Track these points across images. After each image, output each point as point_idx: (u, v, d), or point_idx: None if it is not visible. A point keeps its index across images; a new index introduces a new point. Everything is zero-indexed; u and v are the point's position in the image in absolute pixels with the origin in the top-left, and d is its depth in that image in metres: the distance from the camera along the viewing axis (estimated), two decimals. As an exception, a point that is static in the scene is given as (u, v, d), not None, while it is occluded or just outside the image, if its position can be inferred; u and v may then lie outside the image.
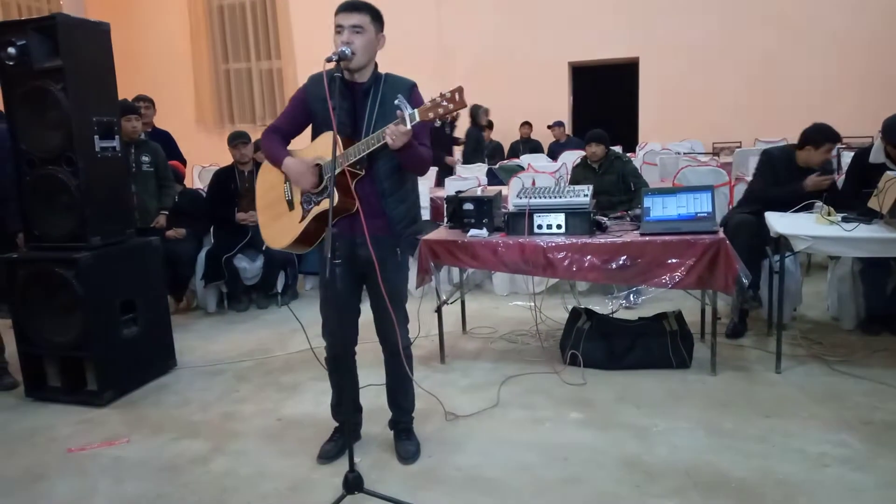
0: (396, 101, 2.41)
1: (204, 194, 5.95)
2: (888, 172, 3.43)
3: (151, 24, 11.98)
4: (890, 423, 2.97)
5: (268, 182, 2.84)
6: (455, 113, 2.45)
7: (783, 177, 4.09)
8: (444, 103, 2.32)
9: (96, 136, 3.59)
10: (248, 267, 5.41)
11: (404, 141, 2.38)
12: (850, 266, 4.13)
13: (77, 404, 3.62)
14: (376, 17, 2.55)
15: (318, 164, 2.63)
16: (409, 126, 2.35)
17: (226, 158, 5.79)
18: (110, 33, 3.70)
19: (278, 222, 2.79)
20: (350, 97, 2.59)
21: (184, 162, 6.31)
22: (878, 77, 9.10)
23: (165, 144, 5.67)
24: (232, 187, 5.54)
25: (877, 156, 3.94)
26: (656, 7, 10.02)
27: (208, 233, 5.74)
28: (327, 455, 2.88)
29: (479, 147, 9.17)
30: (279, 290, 5.57)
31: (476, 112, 9.09)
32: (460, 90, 2.31)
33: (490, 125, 9.69)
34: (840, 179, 4.46)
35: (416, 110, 2.37)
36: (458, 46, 10.72)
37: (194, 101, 12.09)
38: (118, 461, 3.00)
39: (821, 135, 4.00)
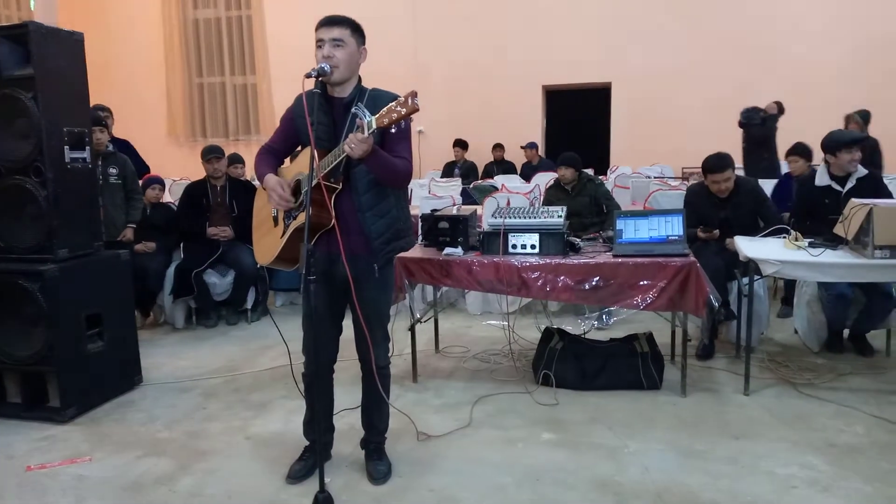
0: (354, 110, 2.41)
1: (175, 208, 5.87)
2: (853, 199, 3.53)
3: (125, 34, 11.85)
4: (854, 446, 3.03)
5: (261, 200, 2.87)
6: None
7: (706, 208, 4.34)
8: (398, 108, 2.29)
9: (66, 147, 3.52)
10: (218, 282, 5.34)
11: (364, 149, 2.33)
12: (816, 290, 4.22)
13: (38, 421, 3.51)
14: (356, 30, 2.56)
15: (297, 180, 2.62)
16: (366, 134, 2.32)
17: (197, 172, 5.71)
18: (84, 43, 3.65)
19: (265, 239, 2.81)
20: (330, 112, 2.59)
21: (147, 170, 6.24)
22: (845, 106, 9.36)
23: (126, 153, 5.57)
24: (204, 202, 5.48)
25: (822, 178, 4.16)
26: (629, 34, 10.23)
27: (178, 247, 5.65)
28: (297, 475, 2.83)
29: (875, 160, 6.49)
30: (249, 306, 5.50)
31: (864, 118, 7.30)
32: (413, 94, 2.28)
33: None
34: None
35: (373, 118, 2.33)
36: (433, 68, 10.79)
37: (166, 113, 11.97)
38: (80, 480, 2.91)
39: (710, 164, 4.21)
